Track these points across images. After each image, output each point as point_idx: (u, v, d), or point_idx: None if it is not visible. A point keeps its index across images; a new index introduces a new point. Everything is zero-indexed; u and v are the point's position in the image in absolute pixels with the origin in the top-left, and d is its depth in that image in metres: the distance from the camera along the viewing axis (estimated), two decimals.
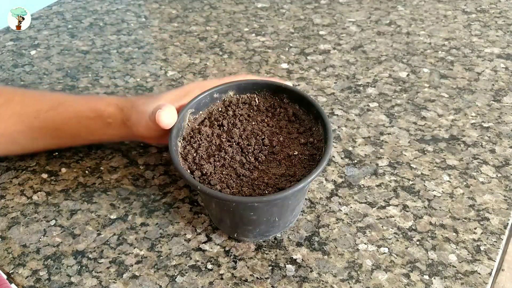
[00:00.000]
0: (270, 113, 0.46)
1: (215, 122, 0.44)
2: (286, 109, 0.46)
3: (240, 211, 0.39)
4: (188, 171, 0.40)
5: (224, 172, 0.40)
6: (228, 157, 0.41)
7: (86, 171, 0.53)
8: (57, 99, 0.50)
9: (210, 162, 0.41)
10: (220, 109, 0.46)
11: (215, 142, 0.43)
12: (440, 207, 0.48)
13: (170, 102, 0.44)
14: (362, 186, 0.50)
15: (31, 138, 0.50)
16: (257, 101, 0.46)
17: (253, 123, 0.44)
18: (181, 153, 0.42)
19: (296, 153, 0.42)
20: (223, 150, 0.42)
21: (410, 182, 0.50)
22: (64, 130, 0.50)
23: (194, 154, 0.42)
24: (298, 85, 0.65)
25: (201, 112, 0.45)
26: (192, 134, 0.44)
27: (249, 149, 0.42)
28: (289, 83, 0.47)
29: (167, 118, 0.41)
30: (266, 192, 0.38)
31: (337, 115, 0.60)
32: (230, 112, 0.45)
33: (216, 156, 0.41)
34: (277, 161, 0.41)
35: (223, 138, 0.43)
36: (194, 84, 0.49)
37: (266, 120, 0.45)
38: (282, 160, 0.41)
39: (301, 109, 0.45)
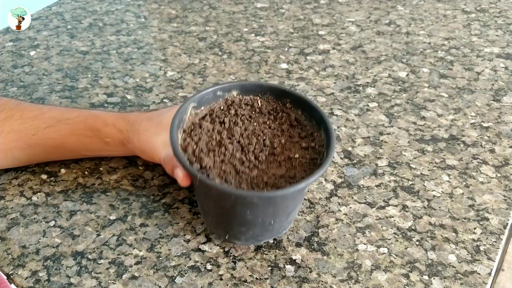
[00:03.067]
0: (272, 116, 0.45)
1: (216, 119, 0.44)
2: (289, 114, 0.45)
3: (237, 207, 0.39)
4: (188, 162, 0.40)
5: (223, 168, 0.40)
6: (228, 153, 0.41)
7: (86, 172, 0.53)
8: (55, 117, 0.50)
9: (209, 156, 0.40)
10: (222, 107, 0.45)
11: (216, 138, 0.42)
12: (439, 207, 0.48)
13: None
14: (361, 186, 0.50)
15: (30, 154, 0.51)
16: (259, 104, 0.46)
17: (255, 123, 0.44)
18: (180, 145, 0.41)
19: (297, 156, 0.42)
20: (223, 146, 0.41)
21: (410, 182, 0.50)
22: (62, 147, 0.51)
23: (194, 147, 0.41)
24: (298, 85, 0.65)
25: (202, 107, 0.45)
26: (192, 127, 0.43)
27: (250, 147, 0.42)
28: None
29: (186, 181, 0.42)
30: (265, 191, 0.38)
31: (336, 115, 0.60)
32: (232, 111, 0.45)
33: (216, 151, 0.41)
34: (277, 162, 0.41)
35: (223, 135, 0.43)
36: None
37: (267, 122, 0.45)
38: (283, 162, 0.41)
39: (303, 115, 0.45)
